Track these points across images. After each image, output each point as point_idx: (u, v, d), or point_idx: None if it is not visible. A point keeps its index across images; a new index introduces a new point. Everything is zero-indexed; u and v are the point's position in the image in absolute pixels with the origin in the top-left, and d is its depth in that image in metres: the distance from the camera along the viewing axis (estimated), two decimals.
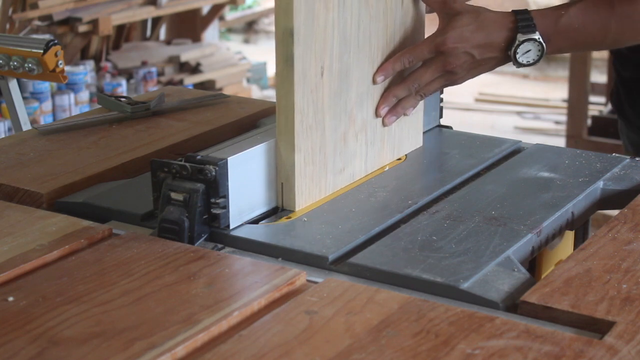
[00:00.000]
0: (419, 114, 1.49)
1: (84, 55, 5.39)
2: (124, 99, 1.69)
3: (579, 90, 4.39)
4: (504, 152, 1.51)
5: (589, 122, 4.44)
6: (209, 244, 1.17)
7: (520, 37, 1.35)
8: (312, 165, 1.27)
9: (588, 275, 1.06)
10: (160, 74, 5.50)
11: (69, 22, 4.96)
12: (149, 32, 6.01)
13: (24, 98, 3.19)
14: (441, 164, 1.47)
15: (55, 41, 1.95)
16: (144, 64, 5.44)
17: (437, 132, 1.60)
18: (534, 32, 1.35)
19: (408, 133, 1.47)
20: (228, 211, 1.18)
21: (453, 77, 1.38)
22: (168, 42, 6.00)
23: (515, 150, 1.53)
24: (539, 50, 1.36)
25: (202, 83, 5.62)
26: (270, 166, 1.26)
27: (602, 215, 2.82)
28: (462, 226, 1.21)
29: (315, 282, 1.06)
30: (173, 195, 1.16)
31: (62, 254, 1.12)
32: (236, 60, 5.99)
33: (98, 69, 5.32)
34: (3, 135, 4.19)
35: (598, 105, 5.02)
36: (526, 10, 1.36)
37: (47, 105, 4.72)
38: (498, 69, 1.41)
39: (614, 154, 1.48)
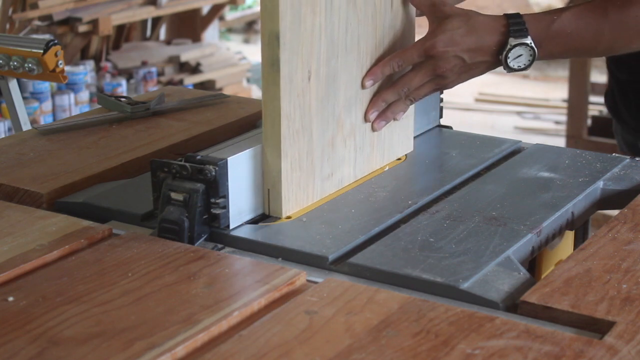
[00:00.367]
0: (410, 119, 1.47)
1: (84, 55, 5.39)
2: (124, 99, 1.69)
3: (579, 90, 4.39)
4: (504, 152, 1.51)
5: (589, 122, 4.44)
6: (209, 244, 1.17)
7: (512, 41, 1.33)
8: (299, 171, 1.24)
9: (588, 275, 1.06)
10: (160, 74, 5.50)
11: (69, 22, 4.96)
12: (149, 32, 6.01)
13: (24, 98, 3.19)
14: (441, 164, 1.47)
15: (55, 41, 1.95)
16: (144, 64, 5.44)
17: (437, 132, 1.60)
18: (525, 36, 1.33)
19: (398, 138, 1.45)
20: (228, 211, 1.18)
21: (443, 82, 1.36)
22: (168, 42, 6.00)
23: (515, 150, 1.53)
24: (531, 55, 1.34)
25: (202, 83, 5.62)
26: None
27: (602, 215, 2.82)
28: (462, 226, 1.21)
29: (315, 282, 1.06)
30: (173, 195, 1.16)
31: (62, 254, 1.12)
32: (236, 60, 5.99)
33: (98, 69, 5.32)
34: (3, 135, 4.19)
35: (598, 105, 5.01)
36: (518, 14, 1.35)
37: (47, 105, 4.72)
38: (498, 69, 1.40)
39: (614, 154, 1.48)
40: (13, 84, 2.05)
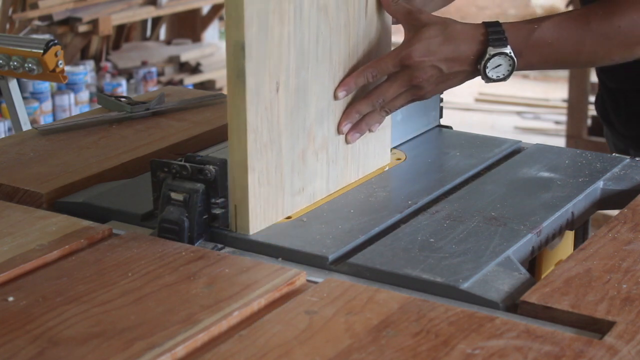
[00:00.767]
0: (386, 130, 1.41)
1: (84, 55, 5.40)
2: (124, 99, 1.69)
3: (579, 90, 4.39)
4: (504, 152, 1.51)
5: (589, 122, 4.44)
6: (209, 244, 1.17)
7: (491, 50, 1.28)
8: (267, 186, 1.19)
9: (588, 275, 1.06)
10: (160, 74, 5.50)
11: (69, 22, 4.97)
12: (149, 32, 6.01)
13: (24, 98, 3.19)
14: (441, 164, 1.47)
15: (55, 41, 1.95)
16: (144, 64, 5.45)
17: (437, 132, 1.60)
18: (505, 45, 1.29)
19: (374, 150, 1.39)
20: (228, 211, 1.18)
21: (419, 92, 1.32)
22: (168, 42, 6.00)
23: (515, 150, 1.53)
24: (510, 65, 1.29)
25: (202, 83, 5.63)
26: None
27: (602, 215, 2.82)
28: (462, 226, 1.21)
29: (315, 282, 1.06)
30: (173, 195, 1.16)
31: (62, 254, 1.12)
32: None
33: (98, 69, 5.32)
34: (3, 135, 4.19)
35: None
36: (498, 22, 1.31)
37: (47, 105, 4.72)
38: None
39: (614, 154, 1.48)
40: (13, 84, 2.05)
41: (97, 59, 5.45)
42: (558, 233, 1.28)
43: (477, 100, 6.19)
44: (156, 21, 5.99)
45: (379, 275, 1.09)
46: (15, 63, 1.94)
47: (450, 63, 1.30)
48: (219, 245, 1.18)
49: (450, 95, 5.52)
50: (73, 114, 4.68)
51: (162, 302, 1.00)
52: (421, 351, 0.91)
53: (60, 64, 1.93)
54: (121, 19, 5.22)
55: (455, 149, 1.51)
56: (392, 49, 1.34)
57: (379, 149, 1.41)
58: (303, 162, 1.25)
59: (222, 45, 6.42)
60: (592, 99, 4.63)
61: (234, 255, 1.13)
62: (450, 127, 1.63)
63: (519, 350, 0.91)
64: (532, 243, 1.20)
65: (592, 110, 4.61)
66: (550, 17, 1.33)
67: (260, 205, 1.18)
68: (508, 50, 1.29)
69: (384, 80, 1.32)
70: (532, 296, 1.02)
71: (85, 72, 5.03)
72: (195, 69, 5.67)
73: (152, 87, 5.28)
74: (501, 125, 5.67)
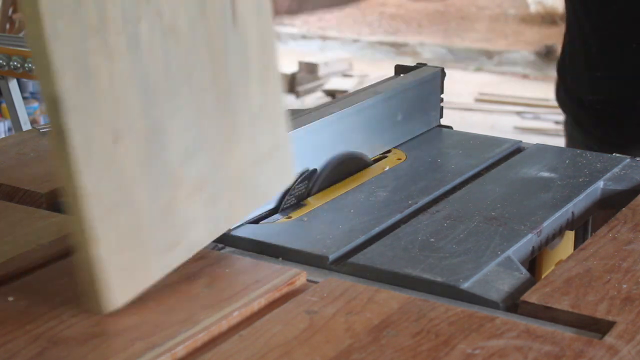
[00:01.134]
0: (285, 149, 1.19)
1: None
2: None
3: None
4: (504, 152, 1.51)
5: None
6: (209, 244, 1.17)
7: None
8: (124, 254, 0.96)
9: (588, 275, 1.06)
10: None
11: None
12: None
13: (24, 98, 3.18)
14: (441, 164, 1.47)
15: None
16: None
17: (437, 132, 1.60)
18: None
19: (269, 175, 1.17)
20: None
21: None
22: None
23: (515, 150, 1.53)
24: None
25: None
26: None
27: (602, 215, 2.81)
28: (462, 226, 1.21)
29: (316, 282, 1.06)
30: None
31: (62, 254, 1.12)
32: None
33: None
34: (3, 135, 4.19)
35: None
36: None
37: None
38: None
39: (614, 154, 1.48)
40: (13, 84, 2.06)
41: None
42: (558, 233, 1.28)
43: (477, 100, 6.19)
44: None
45: (379, 275, 1.09)
46: (15, 63, 1.94)
47: None
48: (219, 245, 1.18)
49: (450, 95, 5.53)
50: None
51: (162, 302, 1.00)
52: (421, 351, 0.91)
53: None
54: None
55: (455, 149, 1.51)
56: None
57: (275, 172, 1.19)
58: (171, 214, 1.02)
59: None
60: None
61: (234, 255, 1.13)
62: (450, 127, 1.63)
63: (519, 350, 0.91)
64: (532, 243, 1.20)
65: None
66: None
67: (118, 277, 0.96)
68: None
69: None
70: (532, 296, 1.02)
71: None
72: None
73: None
74: (501, 125, 5.68)
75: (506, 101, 6.10)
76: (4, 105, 4.28)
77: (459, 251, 1.13)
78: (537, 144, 1.55)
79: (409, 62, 1.74)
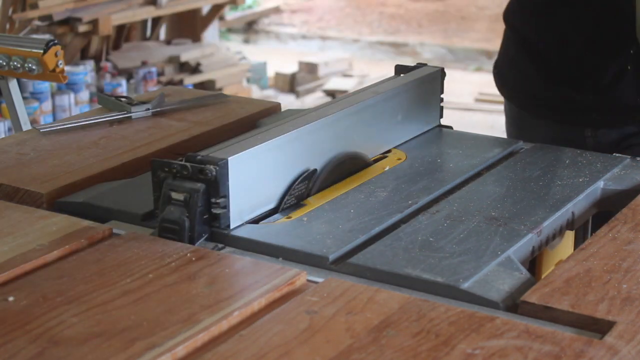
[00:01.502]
0: None
1: (84, 55, 5.40)
2: (124, 99, 1.69)
3: None
4: (504, 152, 1.51)
5: None
6: (209, 244, 1.17)
7: None
8: None
9: (588, 275, 1.06)
10: (160, 74, 5.50)
11: (69, 22, 4.97)
12: (149, 32, 6.01)
13: (24, 98, 3.19)
14: (441, 164, 1.47)
15: (55, 41, 1.95)
16: (144, 64, 5.45)
17: (437, 132, 1.60)
18: None
19: None
20: (228, 211, 1.18)
21: None
22: (168, 42, 6.00)
23: (515, 150, 1.53)
24: None
25: (202, 83, 5.63)
26: (271, 166, 1.26)
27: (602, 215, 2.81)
28: (462, 226, 1.21)
29: (316, 282, 1.06)
30: (173, 195, 1.16)
31: (62, 254, 1.12)
32: (236, 60, 6.00)
33: (98, 69, 5.32)
34: (3, 135, 4.19)
35: None
36: None
37: (47, 105, 4.72)
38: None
39: (614, 154, 1.48)
40: (13, 84, 2.05)
41: (97, 59, 5.45)
42: (558, 233, 1.28)
43: (477, 100, 6.19)
44: (156, 21, 5.98)
45: (379, 275, 1.09)
46: (15, 63, 1.94)
47: None
48: (219, 245, 1.18)
49: (450, 95, 5.52)
50: (73, 114, 4.68)
51: (162, 302, 1.00)
52: (421, 351, 0.91)
53: (60, 64, 1.93)
54: (121, 19, 5.22)
55: (455, 149, 1.51)
56: None
57: None
58: None
59: (222, 45, 6.43)
60: None
61: (234, 255, 1.13)
62: (451, 127, 1.63)
63: (519, 350, 0.91)
64: (533, 243, 1.20)
65: None
66: None
67: None
68: None
69: None
70: (532, 296, 1.02)
71: (85, 72, 5.03)
72: (195, 69, 5.67)
73: (152, 87, 5.28)
74: (501, 125, 5.65)
75: None
76: (4, 105, 4.28)
77: (459, 251, 1.13)
78: (537, 144, 1.54)
79: (409, 62, 1.74)
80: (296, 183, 1.29)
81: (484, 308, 1.02)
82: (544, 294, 1.02)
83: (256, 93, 6.24)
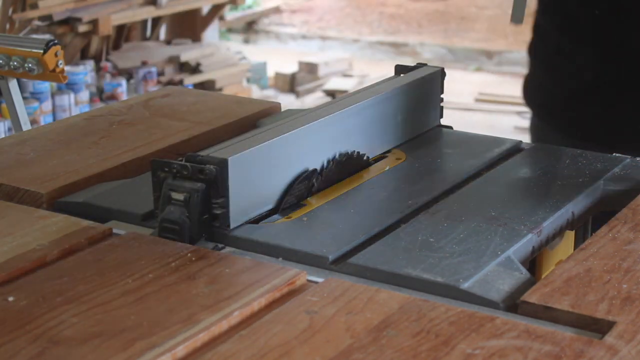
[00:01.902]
0: None
1: (84, 55, 5.40)
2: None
3: None
4: (504, 152, 1.51)
5: None
6: (210, 244, 1.17)
7: None
8: None
9: (588, 275, 1.06)
10: (160, 74, 5.51)
11: (69, 22, 4.97)
12: (149, 32, 6.02)
13: (24, 98, 3.19)
14: (441, 164, 1.47)
15: (55, 41, 1.95)
16: (144, 64, 5.45)
17: (437, 132, 1.60)
18: None
19: None
20: (228, 211, 1.18)
21: None
22: (168, 42, 6.00)
23: (515, 150, 1.53)
24: None
25: (202, 83, 5.63)
26: (271, 166, 1.26)
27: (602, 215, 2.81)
28: (462, 226, 1.21)
29: (316, 282, 1.06)
30: (173, 195, 1.16)
31: (62, 254, 1.12)
32: (236, 60, 6.00)
33: (98, 69, 5.32)
34: (3, 135, 4.19)
35: None
36: None
37: (47, 105, 4.73)
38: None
39: (614, 154, 1.48)
40: (13, 84, 2.05)
41: (97, 59, 5.45)
42: (558, 233, 1.28)
43: (477, 100, 6.19)
44: (156, 21, 5.99)
45: (379, 275, 1.09)
46: (15, 63, 1.94)
47: None
48: (220, 245, 1.18)
49: (450, 95, 5.53)
50: (73, 114, 4.68)
51: (162, 302, 1.00)
52: (421, 351, 0.91)
53: (60, 64, 1.93)
54: (121, 19, 5.22)
55: (455, 149, 1.51)
56: None
57: None
58: None
59: (222, 45, 6.43)
60: None
61: (234, 255, 1.13)
62: (451, 127, 1.63)
63: (519, 350, 0.91)
64: (533, 243, 1.20)
65: None
66: None
67: None
68: None
69: None
70: (532, 296, 1.02)
71: (85, 72, 5.04)
72: (195, 69, 5.68)
73: (152, 87, 5.29)
74: (501, 125, 5.67)
75: (506, 101, 6.10)
76: (4, 105, 4.28)
77: (459, 251, 1.13)
78: (537, 144, 1.54)
79: (409, 62, 1.74)
80: (296, 183, 1.29)
81: (484, 308, 1.02)
82: (544, 294, 1.02)
83: (256, 93, 6.24)
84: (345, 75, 7.10)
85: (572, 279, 1.05)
